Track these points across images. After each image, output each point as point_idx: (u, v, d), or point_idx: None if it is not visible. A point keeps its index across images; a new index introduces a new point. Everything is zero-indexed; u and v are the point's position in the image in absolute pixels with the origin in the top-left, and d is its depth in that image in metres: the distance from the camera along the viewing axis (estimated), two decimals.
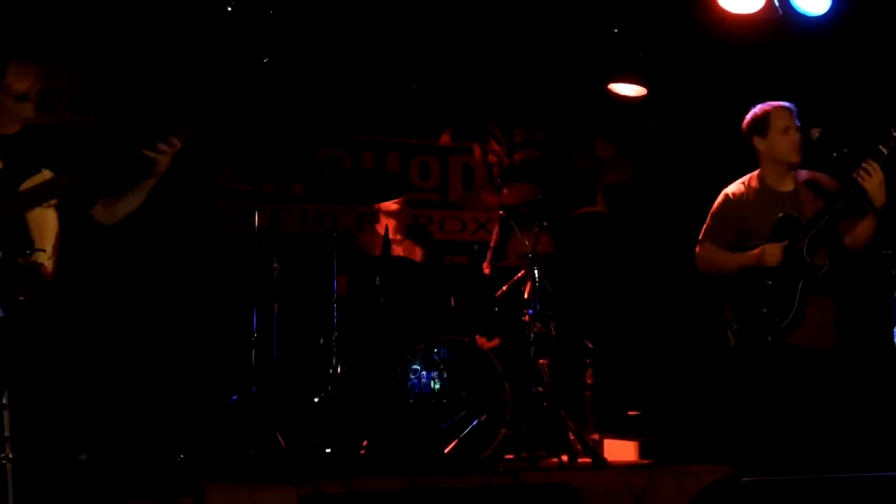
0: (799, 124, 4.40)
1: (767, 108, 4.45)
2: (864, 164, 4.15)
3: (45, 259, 3.64)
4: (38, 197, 3.67)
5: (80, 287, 3.90)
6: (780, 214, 4.40)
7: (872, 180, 4.14)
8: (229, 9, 5.67)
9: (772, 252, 4.34)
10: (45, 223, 3.68)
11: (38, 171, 3.70)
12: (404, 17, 6.12)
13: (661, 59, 6.41)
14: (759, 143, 4.48)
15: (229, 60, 6.01)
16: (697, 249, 4.59)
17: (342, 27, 6.14)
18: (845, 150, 4.25)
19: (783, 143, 4.41)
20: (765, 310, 4.37)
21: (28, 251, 3.58)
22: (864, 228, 4.30)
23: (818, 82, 5.86)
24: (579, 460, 4.95)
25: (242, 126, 6.12)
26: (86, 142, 3.95)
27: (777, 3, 5.41)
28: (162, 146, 3.70)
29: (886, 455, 4.59)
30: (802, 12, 5.38)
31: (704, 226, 4.58)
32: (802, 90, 5.73)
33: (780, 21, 5.49)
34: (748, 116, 4.52)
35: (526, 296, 5.38)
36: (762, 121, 4.44)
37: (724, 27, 5.65)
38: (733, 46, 5.92)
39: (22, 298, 3.56)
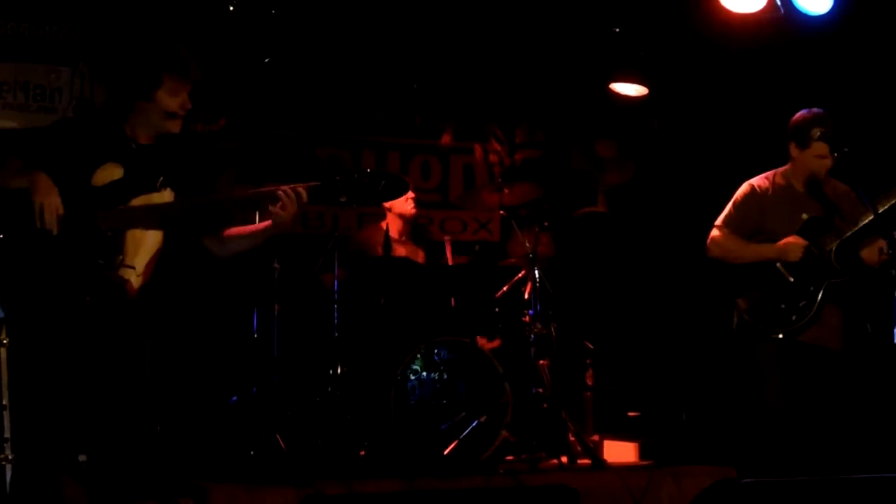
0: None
1: (814, 132, 4.49)
2: None
3: (133, 276, 3.56)
4: (146, 219, 3.55)
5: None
6: (810, 216, 4.51)
7: None
8: (231, 8, 5.67)
9: (795, 247, 4.45)
10: (144, 240, 3.58)
11: (157, 189, 3.60)
12: (405, 17, 6.11)
13: (662, 58, 6.40)
14: (794, 150, 4.60)
15: (231, 60, 6.00)
16: (715, 233, 4.67)
17: (343, 27, 6.14)
18: (846, 150, 4.30)
19: (816, 164, 4.54)
20: (783, 306, 4.47)
21: (116, 265, 3.52)
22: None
23: (820, 81, 5.85)
24: (579, 461, 4.94)
25: (244, 126, 6.12)
26: (215, 164, 3.85)
27: (779, 3, 5.39)
28: (285, 199, 3.55)
29: (887, 457, 4.58)
30: (804, 11, 5.37)
31: (725, 213, 4.68)
32: (804, 89, 5.74)
33: (783, 20, 5.47)
34: (795, 119, 4.59)
35: (526, 296, 5.37)
36: (804, 137, 4.52)
37: (726, 26, 5.63)
38: (735, 46, 5.90)
39: (104, 303, 3.53)
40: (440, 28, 6.20)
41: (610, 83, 6.46)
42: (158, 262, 3.65)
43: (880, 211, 4.26)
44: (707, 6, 5.53)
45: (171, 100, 3.59)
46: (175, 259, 3.73)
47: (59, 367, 3.52)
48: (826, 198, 4.57)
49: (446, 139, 6.90)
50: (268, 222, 3.66)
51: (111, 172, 3.55)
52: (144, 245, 3.59)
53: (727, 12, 5.47)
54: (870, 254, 4.46)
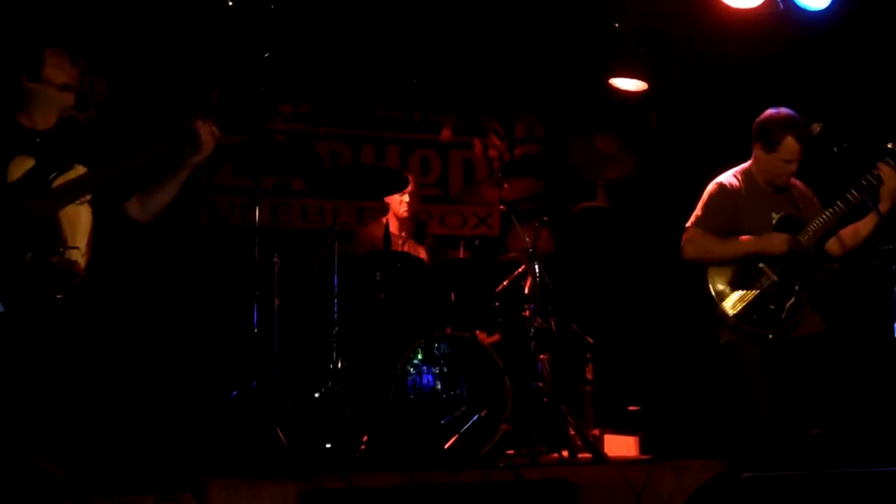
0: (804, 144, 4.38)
1: (782, 133, 4.39)
2: (880, 168, 4.25)
3: (79, 256, 3.62)
4: (71, 194, 3.64)
5: (110, 283, 3.90)
6: (782, 213, 4.46)
7: (887, 186, 4.23)
8: (230, 3, 5.67)
9: (778, 241, 4.38)
10: (78, 220, 3.66)
11: (71, 168, 3.68)
12: (406, 12, 6.11)
13: (662, 53, 6.40)
14: (758, 151, 4.52)
15: (230, 54, 6.00)
16: (689, 235, 4.55)
17: (343, 21, 6.14)
18: (846, 145, 4.27)
19: (780, 169, 4.46)
20: (772, 307, 4.41)
21: (61, 249, 3.57)
22: (857, 234, 4.38)
23: (819, 77, 5.85)
24: (579, 456, 4.95)
25: (244, 119, 6.11)
26: (120, 135, 3.95)
27: None
28: (198, 128, 3.73)
29: (886, 450, 4.58)
30: (804, 7, 5.37)
31: (696, 214, 4.58)
32: (803, 85, 5.75)
33: (781, 16, 5.48)
34: (763, 120, 4.49)
35: (526, 291, 5.37)
36: (772, 139, 4.42)
37: (726, 22, 5.63)
38: (734, 41, 5.90)
39: (59, 296, 3.55)
40: (440, 23, 6.20)
41: (609, 78, 6.46)
42: (94, 238, 3.73)
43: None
44: (707, 2, 5.53)
45: (60, 73, 3.68)
46: (107, 235, 3.79)
47: (26, 368, 3.55)
48: (794, 196, 4.52)
49: (446, 134, 6.91)
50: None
51: (22, 165, 3.62)
52: (80, 224, 3.67)
53: (727, 7, 5.48)
54: (834, 245, 4.46)
